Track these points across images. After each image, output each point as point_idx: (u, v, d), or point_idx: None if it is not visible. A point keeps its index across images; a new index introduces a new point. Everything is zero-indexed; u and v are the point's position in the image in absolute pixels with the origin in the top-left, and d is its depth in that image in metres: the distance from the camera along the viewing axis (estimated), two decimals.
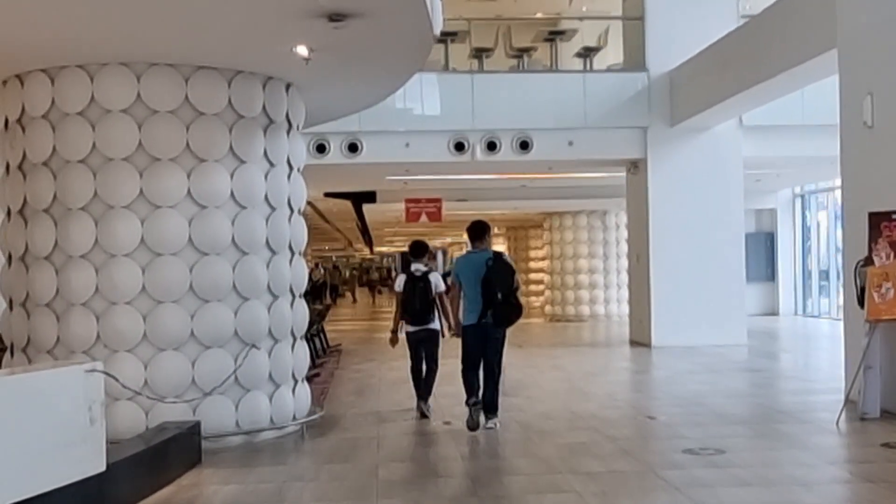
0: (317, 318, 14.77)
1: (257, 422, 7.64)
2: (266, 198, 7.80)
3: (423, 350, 8.86)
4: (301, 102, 8.38)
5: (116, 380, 6.19)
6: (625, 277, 19.91)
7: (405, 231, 36.38)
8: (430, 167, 15.97)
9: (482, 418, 7.91)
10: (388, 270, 68.08)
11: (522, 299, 8.15)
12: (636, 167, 15.64)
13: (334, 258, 66.63)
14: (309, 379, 9.18)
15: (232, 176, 7.55)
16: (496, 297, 7.76)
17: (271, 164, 7.88)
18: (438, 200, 19.61)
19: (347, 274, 44.82)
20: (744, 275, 15.45)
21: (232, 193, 7.54)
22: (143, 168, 7.26)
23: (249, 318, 7.59)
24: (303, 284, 8.39)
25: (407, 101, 14.50)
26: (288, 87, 8.10)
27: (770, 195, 22.76)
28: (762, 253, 22.78)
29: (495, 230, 35.31)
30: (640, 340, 15.73)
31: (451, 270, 8.79)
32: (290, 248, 8.14)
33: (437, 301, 8.77)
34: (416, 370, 8.94)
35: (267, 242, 7.79)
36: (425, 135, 14.74)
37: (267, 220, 7.79)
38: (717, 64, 13.38)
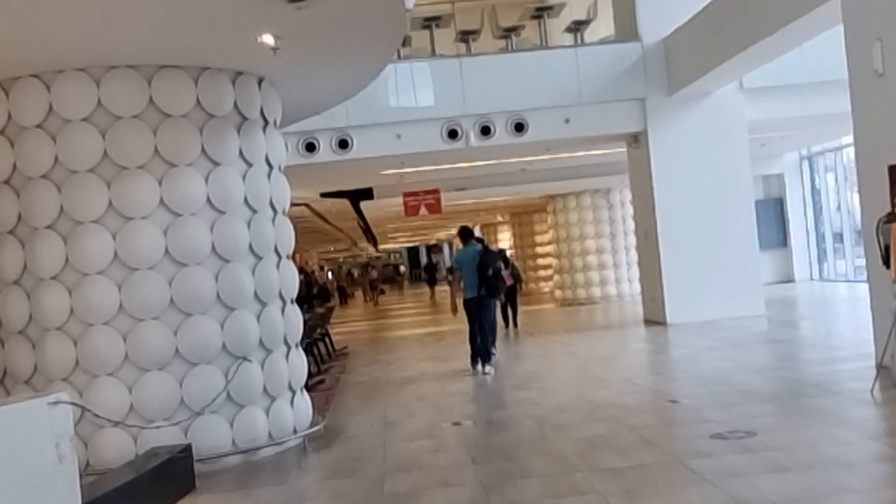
0: (319, 322, 14.31)
1: (255, 439, 7.18)
2: (245, 200, 7.33)
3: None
4: (276, 97, 7.89)
5: (87, 410, 5.72)
6: (634, 255, 19.42)
7: (407, 226, 36.02)
8: (424, 157, 15.52)
9: (479, 366, 11.12)
10: (396, 267, 67.70)
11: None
12: (637, 140, 15.15)
13: (342, 259, 66.21)
14: (313, 386, 8.75)
15: (206, 180, 7.08)
16: (488, 274, 10.99)
17: (248, 165, 7.41)
18: (436, 191, 19.12)
19: (375, 274, 44.30)
20: (756, 243, 14.96)
21: (208, 198, 7.07)
22: (110, 179, 6.80)
23: (237, 330, 7.13)
24: (294, 289, 7.92)
25: (395, 91, 14.11)
26: (260, 81, 7.62)
27: (776, 160, 22.30)
28: (773, 219, 22.36)
29: (498, 217, 35.02)
30: (654, 319, 15.24)
31: (453, 261, 11.32)
32: (277, 251, 7.67)
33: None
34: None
35: (250, 247, 7.33)
36: (416, 124, 14.32)
37: (248, 224, 7.32)
38: (713, 26, 12.88)
